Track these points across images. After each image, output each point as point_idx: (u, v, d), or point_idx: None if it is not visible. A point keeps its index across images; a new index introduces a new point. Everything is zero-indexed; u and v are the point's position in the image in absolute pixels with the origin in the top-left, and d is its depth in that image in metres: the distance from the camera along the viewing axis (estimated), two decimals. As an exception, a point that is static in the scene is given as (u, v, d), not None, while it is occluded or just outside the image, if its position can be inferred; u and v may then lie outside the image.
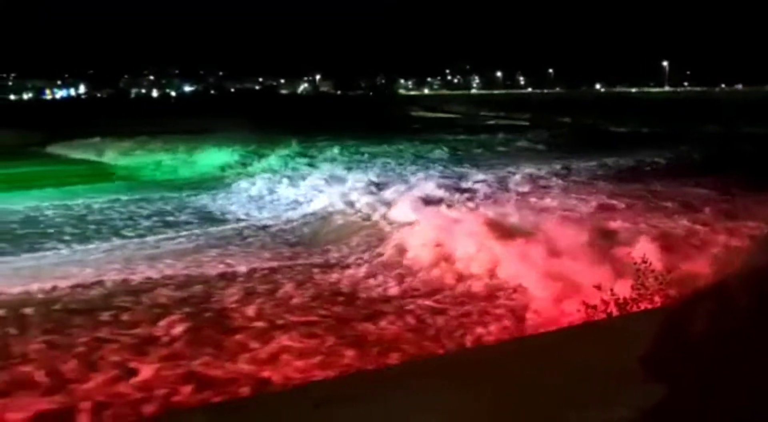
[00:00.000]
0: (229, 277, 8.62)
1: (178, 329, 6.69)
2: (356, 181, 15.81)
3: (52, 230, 11.94)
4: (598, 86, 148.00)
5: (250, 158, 22.52)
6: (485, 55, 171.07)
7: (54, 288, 8.04)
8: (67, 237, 11.28)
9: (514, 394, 2.74)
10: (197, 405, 4.57)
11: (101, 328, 6.72)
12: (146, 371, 5.59)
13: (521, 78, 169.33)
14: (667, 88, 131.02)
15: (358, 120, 49.20)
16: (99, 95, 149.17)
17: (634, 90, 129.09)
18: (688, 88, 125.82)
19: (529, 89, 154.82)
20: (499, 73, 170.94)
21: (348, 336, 6.45)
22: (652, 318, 3.99)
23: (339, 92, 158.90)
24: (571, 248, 8.24)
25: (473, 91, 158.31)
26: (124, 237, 11.38)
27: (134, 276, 8.59)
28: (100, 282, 8.30)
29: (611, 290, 5.69)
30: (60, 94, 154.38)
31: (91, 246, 10.67)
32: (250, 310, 7.31)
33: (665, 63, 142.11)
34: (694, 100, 71.55)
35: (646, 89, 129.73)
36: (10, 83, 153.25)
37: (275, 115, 55.58)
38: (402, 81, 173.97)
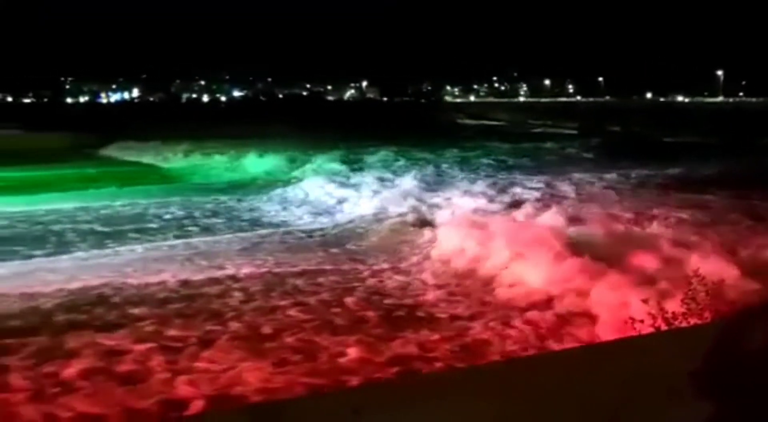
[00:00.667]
0: (283, 276, 8.79)
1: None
2: (402, 187, 15.81)
3: (108, 228, 12.29)
4: (649, 95, 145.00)
5: (297, 162, 22.76)
6: (533, 62, 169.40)
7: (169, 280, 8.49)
8: (114, 237, 11.60)
9: (557, 408, 2.68)
10: (238, 406, 4.62)
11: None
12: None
13: (570, 86, 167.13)
14: (721, 98, 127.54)
15: (404, 126, 49.25)
16: (151, 99, 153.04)
17: (687, 99, 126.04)
18: (744, 99, 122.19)
19: (578, 97, 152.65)
20: (547, 81, 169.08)
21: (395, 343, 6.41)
22: (702, 333, 3.86)
23: (385, 98, 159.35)
24: (621, 257, 8.06)
25: (520, 98, 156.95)
26: (176, 237, 11.61)
27: (220, 272, 8.98)
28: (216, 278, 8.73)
29: (659, 304, 5.55)
30: (114, 97, 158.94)
31: (139, 246, 10.92)
32: (299, 311, 7.36)
33: (720, 72, 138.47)
34: (751, 110, 69.39)
35: (699, 99, 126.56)
36: (68, 87, 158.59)
37: (322, 121, 56.08)
38: (448, 87, 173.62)
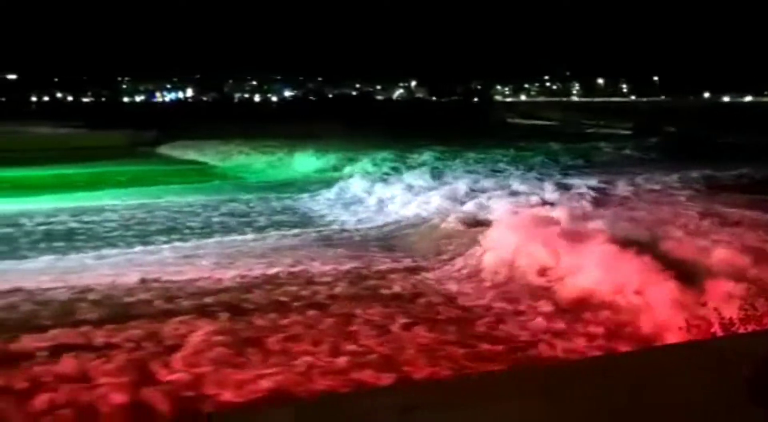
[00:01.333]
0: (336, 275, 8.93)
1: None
2: (452, 187, 15.72)
3: (160, 225, 12.64)
4: (706, 95, 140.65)
5: (346, 162, 22.89)
6: (586, 61, 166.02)
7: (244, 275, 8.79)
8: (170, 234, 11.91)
9: (608, 413, 2.64)
10: (287, 402, 4.67)
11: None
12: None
13: (624, 85, 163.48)
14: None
15: (453, 125, 49.03)
16: (205, 99, 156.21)
17: (748, 99, 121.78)
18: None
19: (632, 97, 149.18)
20: (600, 80, 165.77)
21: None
22: (760, 339, 3.74)
23: (434, 98, 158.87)
24: (680, 260, 7.86)
25: (573, 98, 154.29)
26: (229, 234, 11.85)
27: (283, 269, 9.14)
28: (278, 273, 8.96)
29: (716, 309, 5.39)
30: (169, 97, 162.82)
31: (192, 242, 11.18)
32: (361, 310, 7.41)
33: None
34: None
35: (762, 99, 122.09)
36: (124, 86, 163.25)
37: (370, 120, 56.28)
38: (498, 87, 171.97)
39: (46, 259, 9.92)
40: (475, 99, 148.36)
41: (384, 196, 15.57)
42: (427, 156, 24.26)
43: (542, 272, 8.49)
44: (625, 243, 8.59)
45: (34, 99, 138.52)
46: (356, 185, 17.02)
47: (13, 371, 5.67)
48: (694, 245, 8.62)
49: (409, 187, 16.10)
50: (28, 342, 6.36)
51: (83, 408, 5.03)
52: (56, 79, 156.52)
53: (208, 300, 7.77)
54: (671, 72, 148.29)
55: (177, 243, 10.98)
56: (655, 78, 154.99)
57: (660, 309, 6.80)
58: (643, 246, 8.53)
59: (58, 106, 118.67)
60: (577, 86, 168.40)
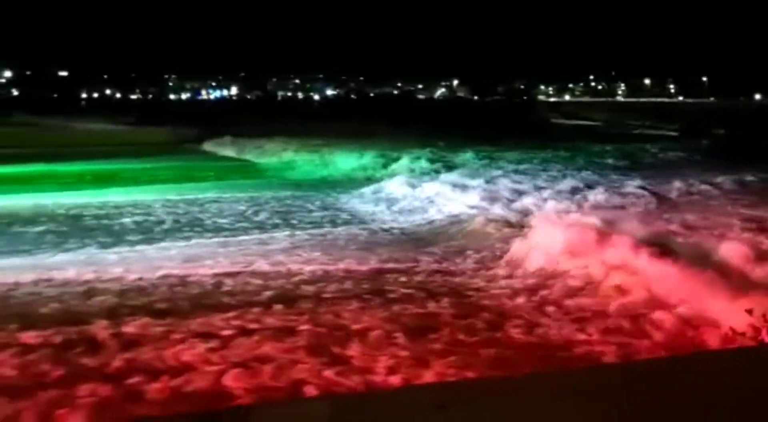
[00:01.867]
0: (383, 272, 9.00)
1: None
2: (493, 187, 15.62)
3: (220, 220, 12.99)
4: (757, 96, 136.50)
5: (386, 160, 22.94)
6: (633, 61, 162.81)
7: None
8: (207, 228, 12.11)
9: (646, 418, 2.59)
10: (322, 396, 4.70)
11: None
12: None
13: (671, 86, 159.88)
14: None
15: (495, 125, 48.64)
16: (248, 97, 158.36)
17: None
18: None
19: (680, 98, 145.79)
20: (647, 80, 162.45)
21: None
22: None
23: (476, 97, 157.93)
24: (728, 266, 7.63)
25: (618, 98, 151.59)
26: (270, 230, 12.01)
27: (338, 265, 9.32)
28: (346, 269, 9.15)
29: (764, 315, 5.23)
30: (214, 94, 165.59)
31: (235, 237, 11.36)
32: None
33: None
34: None
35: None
36: (171, 84, 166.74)
37: (411, 119, 56.26)
38: (542, 87, 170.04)
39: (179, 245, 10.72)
40: (519, 98, 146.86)
41: (425, 194, 15.56)
42: (468, 155, 24.16)
43: (585, 281, 8.31)
44: (674, 252, 8.37)
45: (84, 95, 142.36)
46: (398, 183, 17.04)
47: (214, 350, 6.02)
48: (749, 253, 8.32)
49: (451, 186, 16.03)
50: (217, 321, 6.82)
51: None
52: (105, 76, 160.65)
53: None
54: (721, 73, 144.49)
55: (243, 237, 11.38)
56: (704, 78, 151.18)
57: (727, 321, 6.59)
58: (697, 255, 8.27)
59: (106, 102, 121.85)
60: (622, 86, 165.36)
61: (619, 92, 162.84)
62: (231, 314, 7.12)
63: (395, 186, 16.81)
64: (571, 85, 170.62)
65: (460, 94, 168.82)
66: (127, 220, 12.85)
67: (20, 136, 33.05)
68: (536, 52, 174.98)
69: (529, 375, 5.07)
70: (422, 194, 15.61)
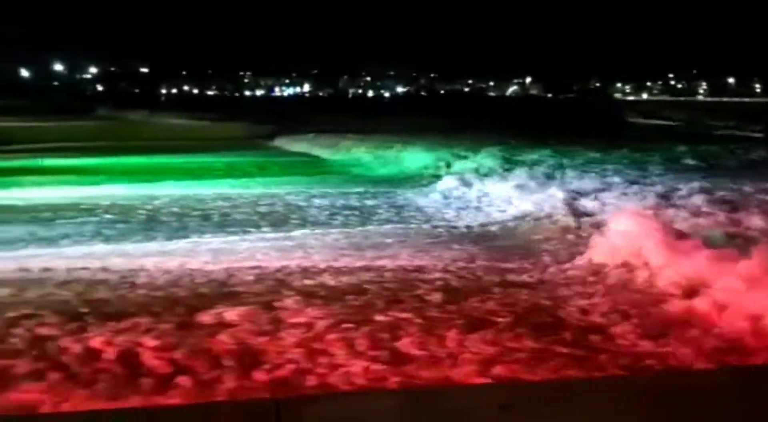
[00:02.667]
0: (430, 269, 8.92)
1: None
2: (565, 187, 15.25)
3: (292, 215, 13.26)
4: None
5: (455, 157, 22.81)
6: (716, 59, 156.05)
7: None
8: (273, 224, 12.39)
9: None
10: (388, 389, 4.72)
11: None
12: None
13: (757, 85, 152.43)
14: None
15: (568, 124, 47.63)
16: (320, 93, 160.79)
17: None
18: None
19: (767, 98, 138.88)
20: (731, 79, 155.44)
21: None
22: None
23: (549, 95, 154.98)
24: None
25: (699, 97, 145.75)
26: (340, 226, 12.15)
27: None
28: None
29: None
30: (287, 91, 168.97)
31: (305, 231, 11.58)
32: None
33: None
34: None
35: None
36: (246, 81, 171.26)
37: (482, 117, 55.72)
38: (618, 85, 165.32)
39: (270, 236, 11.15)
40: (594, 96, 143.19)
41: (494, 193, 15.40)
42: (539, 154, 23.71)
43: (667, 288, 7.94)
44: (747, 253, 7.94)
45: (163, 91, 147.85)
46: (466, 182, 16.93)
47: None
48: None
49: (520, 185, 15.81)
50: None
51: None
52: (184, 73, 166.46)
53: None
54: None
55: (317, 231, 11.64)
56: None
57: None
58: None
59: (184, 98, 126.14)
60: (704, 85, 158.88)
61: (701, 91, 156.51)
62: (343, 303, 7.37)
63: (463, 183, 16.71)
64: (648, 84, 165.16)
65: (533, 91, 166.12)
66: (213, 213, 13.30)
67: (104, 130, 34.79)
68: (613, 50, 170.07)
69: (592, 379, 4.96)
70: (491, 192, 15.45)
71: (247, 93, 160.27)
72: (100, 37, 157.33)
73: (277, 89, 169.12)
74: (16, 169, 20.61)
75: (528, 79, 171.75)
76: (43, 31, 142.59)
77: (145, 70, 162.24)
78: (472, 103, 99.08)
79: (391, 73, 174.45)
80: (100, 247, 10.24)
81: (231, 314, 6.86)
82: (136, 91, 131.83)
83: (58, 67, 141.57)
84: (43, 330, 6.39)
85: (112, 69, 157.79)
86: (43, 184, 17.33)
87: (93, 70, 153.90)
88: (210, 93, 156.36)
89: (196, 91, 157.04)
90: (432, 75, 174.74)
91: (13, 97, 68.75)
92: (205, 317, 6.79)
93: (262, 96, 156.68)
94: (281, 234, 11.31)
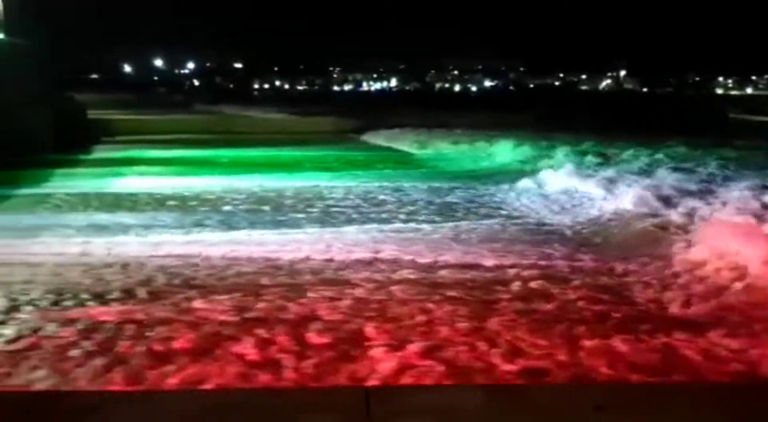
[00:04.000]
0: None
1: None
2: (658, 186, 14.64)
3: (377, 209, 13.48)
4: None
5: (543, 153, 22.39)
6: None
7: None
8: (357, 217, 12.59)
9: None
10: (478, 384, 4.72)
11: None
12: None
13: None
14: None
15: (664, 120, 45.64)
16: (407, 88, 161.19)
17: None
18: None
19: None
20: None
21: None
22: None
23: (645, 89, 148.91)
24: None
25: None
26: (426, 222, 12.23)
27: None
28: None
29: None
30: (374, 86, 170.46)
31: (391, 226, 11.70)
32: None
33: None
34: None
35: None
36: (335, 76, 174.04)
37: (572, 111, 54.27)
38: (720, 79, 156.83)
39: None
40: (693, 91, 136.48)
41: (582, 190, 15.04)
42: (631, 151, 22.85)
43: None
44: None
45: (256, 86, 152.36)
46: (554, 178, 16.58)
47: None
48: None
49: (610, 184, 15.32)
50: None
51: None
52: (276, 68, 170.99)
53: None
54: None
55: (409, 225, 11.85)
56: None
57: None
58: None
59: (276, 92, 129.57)
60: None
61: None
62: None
63: (551, 180, 16.38)
64: (754, 78, 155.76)
65: (628, 85, 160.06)
66: (314, 205, 13.76)
67: (202, 123, 36.32)
68: (713, 41, 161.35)
69: (687, 384, 4.78)
70: (579, 189, 15.09)
71: (336, 88, 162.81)
72: (198, 33, 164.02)
73: (364, 84, 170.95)
74: (121, 160, 21.95)
75: (622, 73, 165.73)
76: (146, 27, 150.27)
77: (239, 65, 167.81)
78: (562, 98, 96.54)
79: (479, 67, 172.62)
80: (241, 234, 10.79)
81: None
82: (231, 86, 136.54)
83: (158, 62, 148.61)
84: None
85: (208, 64, 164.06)
86: (148, 175, 18.46)
87: (190, 65, 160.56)
88: (300, 88, 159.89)
89: (287, 86, 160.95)
90: (521, 68, 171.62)
91: (117, 91, 72.78)
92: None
93: (350, 91, 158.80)
94: (384, 227, 11.48)
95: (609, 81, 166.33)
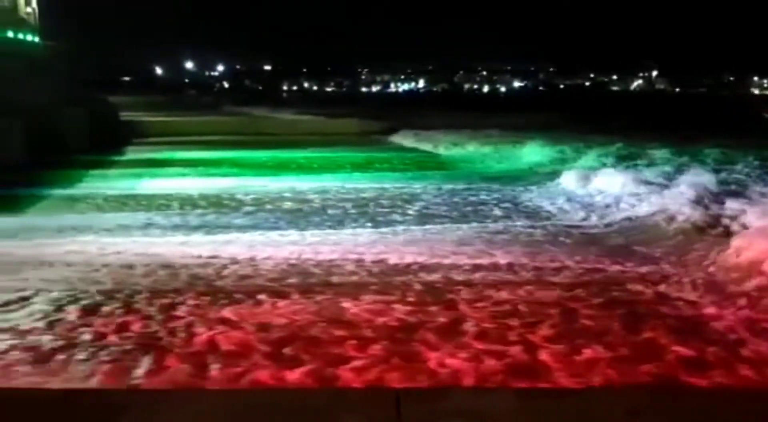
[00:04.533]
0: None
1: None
2: (691, 187, 14.35)
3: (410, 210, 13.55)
4: None
5: (572, 154, 22.22)
6: None
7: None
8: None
9: None
10: (508, 387, 4.70)
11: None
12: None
13: None
14: None
15: (696, 121, 44.84)
16: (435, 89, 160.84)
17: None
18: None
19: None
20: None
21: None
22: None
23: (677, 90, 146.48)
24: None
25: None
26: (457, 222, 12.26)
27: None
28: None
29: None
30: (402, 87, 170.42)
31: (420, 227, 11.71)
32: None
33: None
34: None
35: None
36: (363, 77, 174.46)
37: (602, 112, 53.63)
38: (755, 78, 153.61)
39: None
40: (727, 91, 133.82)
41: (613, 192, 14.79)
42: (663, 152, 22.52)
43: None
44: None
45: (284, 87, 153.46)
46: (583, 179, 16.39)
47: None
48: None
49: (642, 185, 15.10)
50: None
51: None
52: (304, 70, 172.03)
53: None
54: None
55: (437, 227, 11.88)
56: None
57: None
58: None
59: (304, 94, 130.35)
60: None
61: None
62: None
63: (580, 182, 16.18)
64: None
65: (660, 86, 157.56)
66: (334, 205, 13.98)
67: (231, 125, 36.71)
68: (748, 40, 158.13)
69: (722, 389, 4.70)
70: (610, 191, 14.87)
71: (364, 89, 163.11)
72: (228, 36, 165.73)
73: (392, 85, 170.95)
74: (153, 161, 22.29)
75: (654, 73, 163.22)
76: (177, 30, 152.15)
77: (268, 67, 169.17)
78: (592, 98, 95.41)
79: (508, 67, 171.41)
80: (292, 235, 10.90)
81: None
82: (260, 87, 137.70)
83: (189, 64, 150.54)
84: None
85: (238, 67, 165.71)
86: (180, 176, 18.77)
87: (220, 67, 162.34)
88: (328, 89, 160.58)
89: (315, 87, 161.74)
90: (551, 69, 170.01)
91: (148, 93, 73.89)
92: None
93: (377, 92, 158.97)
94: (418, 228, 11.53)
95: (640, 81, 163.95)
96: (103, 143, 25.24)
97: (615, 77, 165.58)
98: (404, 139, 30.63)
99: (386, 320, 6.81)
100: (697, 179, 15.89)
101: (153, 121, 36.53)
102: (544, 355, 5.88)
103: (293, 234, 10.96)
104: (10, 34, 26.47)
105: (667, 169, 18.47)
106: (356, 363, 5.65)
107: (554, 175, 17.95)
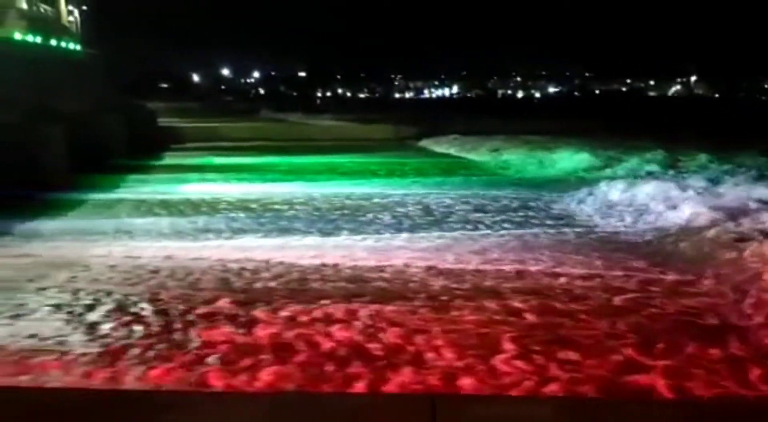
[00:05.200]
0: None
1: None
2: (729, 197, 14.08)
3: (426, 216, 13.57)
4: None
5: (607, 161, 21.95)
6: None
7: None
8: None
9: None
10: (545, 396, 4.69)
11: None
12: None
13: None
14: None
15: (736, 127, 43.82)
16: (468, 95, 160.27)
17: None
18: None
19: None
20: None
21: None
22: None
23: (717, 95, 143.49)
24: None
25: None
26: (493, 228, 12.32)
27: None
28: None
29: None
30: (435, 93, 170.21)
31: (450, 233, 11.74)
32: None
33: None
34: None
35: None
36: (396, 83, 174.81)
37: (638, 118, 52.80)
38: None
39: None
40: (763, 97, 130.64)
41: (649, 200, 14.57)
42: (701, 160, 22.08)
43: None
44: None
45: (318, 94, 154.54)
46: (618, 187, 16.15)
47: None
48: None
49: (678, 193, 14.83)
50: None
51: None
52: (338, 76, 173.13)
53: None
54: None
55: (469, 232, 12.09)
56: None
57: None
58: None
59: (338, 100, 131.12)
60: None
61: None
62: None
63: (615, 189, 15.94)
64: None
65: (698, 91, 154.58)
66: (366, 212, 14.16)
67: (267, 131, 37.25)
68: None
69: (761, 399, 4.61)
70: (645, 199, 14.64)
71: (397, 95, 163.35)
72: (264, 43, 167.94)
73: (426, 91, 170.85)
74: (191, 167, 22.68)
75: (693, 78, 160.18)
76: (214, 37, 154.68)
77: (302, 74, 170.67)
78: (628, 104, 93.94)
79: (543, 72, 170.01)
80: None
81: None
82: (294, 94, 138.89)
83: (225, 71, 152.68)
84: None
85: (273, 73, 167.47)
86: (218, 181, 19.17)
87: (256, 74, 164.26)
88: (361, 96, 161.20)
89: (348, 94, 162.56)
90: (586, 74, 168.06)
91: (186, 100, 75.15)
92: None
93: (410, 98, 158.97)
94: (444, 234, 11.70)
95: (678, 86, 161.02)
96: (142, 149, 25.78)
97: (652, 82, 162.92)
98: (436, 145, 30.65)
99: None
100: (735, 189, 15.55)
101: (191, 126, 37.16)
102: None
103: (370, 240, 11.35)
104: (54, 42, 27.20)
105: (709, 176, 18.13)
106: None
107: (589, 182, 17.77)
